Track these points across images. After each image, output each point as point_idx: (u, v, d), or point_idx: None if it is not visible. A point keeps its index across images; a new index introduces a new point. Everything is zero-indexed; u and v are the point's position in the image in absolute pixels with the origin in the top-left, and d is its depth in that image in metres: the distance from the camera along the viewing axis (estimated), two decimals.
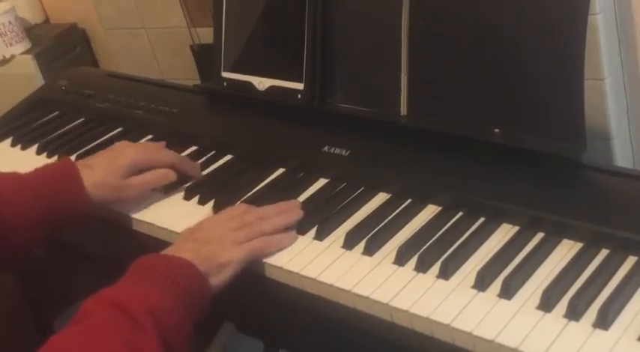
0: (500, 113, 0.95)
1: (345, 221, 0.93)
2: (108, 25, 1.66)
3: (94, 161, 1.03)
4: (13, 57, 1.78)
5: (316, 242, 0.91)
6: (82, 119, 1.33)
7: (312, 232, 0.92)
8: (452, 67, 0.98)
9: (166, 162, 1.05)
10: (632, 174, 0.90)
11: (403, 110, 1.03)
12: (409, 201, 0.94)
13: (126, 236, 1.03)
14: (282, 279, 0.88)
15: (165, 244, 0.92)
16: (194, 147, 1.17)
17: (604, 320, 0.72)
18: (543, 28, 0.90)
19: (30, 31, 1.86)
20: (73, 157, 1.20)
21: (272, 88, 1.16)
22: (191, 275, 0.82)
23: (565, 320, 0.73)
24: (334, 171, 1.02)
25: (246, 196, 1.02)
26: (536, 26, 0.91)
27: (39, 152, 1.25)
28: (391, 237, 0.89)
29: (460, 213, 0.91)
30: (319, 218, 0.94)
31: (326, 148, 1.04)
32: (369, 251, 0.87)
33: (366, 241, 0.88)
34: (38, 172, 1.00)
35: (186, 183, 1.07)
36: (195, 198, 1.03)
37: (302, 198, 0.99)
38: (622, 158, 1.12)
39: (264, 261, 0.89)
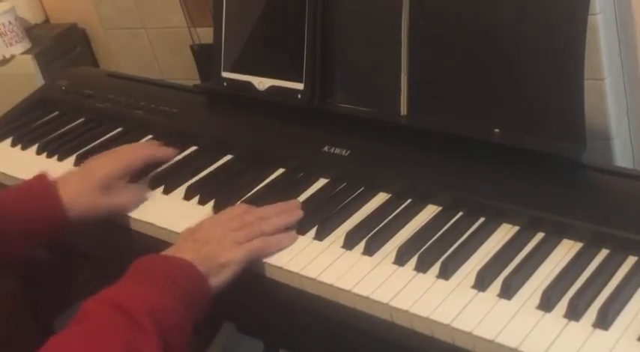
0: (500, 113, 0.95)
1: (345, 221, 0.93)
2: (108, 25, 1.65)
3: (69, 178, 1.02)
4: (13, 57, 1.78)
5: (316, 242, 0.91)
6: (82, 119, 1.33)
7: (312, 232, 0.92)
8: (452, 67, 0.98)
9: (138, 165, 1.06)
10: (632, 174, 0.90)
11: (403, 110, 1.03)
12: (409, 201, 0.94)
13: (126, 236, 1.03)
14: (282, 279, 0.88)
15: (165, 244, 0.92)
16: (194, 147, 1.17)
17: (604, 320, 0.72)
18: (543, 28, 0.90)
19: (30, 31, 1.86)
20: (72, 157, 1.20)
21: (272, 87, 1.16)
22: (191, 275, 0.82)
23: (565, 320, 0.73)
24: (334, 171, 1.02)
25: (246, 196, 1.02)
26: (536, 26, 0.91)
27: (39, 152, 1.25)
28: (391, 237, 0.89)
29: (460, 213, 0.91)
30: (319, 218, 0.94)
31: (326, 148, 1.04)
32: (369, 251, 0.87)
33: (366, 241, 0.88)
34: (14, 190, 0.99)
35: (187, 182, 1.07)
36: (196, 198, 1.03)
37: (302, 198, 0.99)
38: (622, 158, 1.12)
39: (264, 261, 0.89)
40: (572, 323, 0.73)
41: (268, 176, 1.06)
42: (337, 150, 1.03)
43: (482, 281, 0.79)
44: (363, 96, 1.08)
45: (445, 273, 0.81)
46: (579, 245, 0.83)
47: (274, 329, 0.94)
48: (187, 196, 1.04)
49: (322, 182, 1.02)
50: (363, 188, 0.98)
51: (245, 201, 1.00)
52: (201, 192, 1.04)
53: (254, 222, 0.91)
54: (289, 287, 0.88)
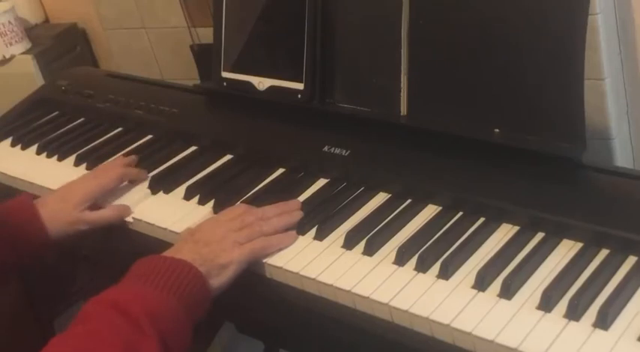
0: (500, 113, 0.95)
1: (345, 221, 0.93)
2: (108, 25, 1.65)
3: (48, 199, 1.04)
4: (13, 57, 1.78)
5: (316, 242, 0.91)
6: (82, 119, 1.34)
7: (312, 232, 0.92)
8: (452, 67, 0.98)
9: (115, 180, 1.07)
10: (632, 174, 0.90)
11: (403, 110, 1.03)
12: (409, 201, 0.94)
13: (126, 236, 1.03)
14: (282, 279, 0.88)
15: (166, 244, 0.92)
16: (194, 147, 1.17)
17: (604, 320, 0.72)
18: (543, 28, 0.90)
19: (30, 31, 1.86)
20: (72, 157, 1.20)
21: (272, 87, 1.16)
22: (192, 276, 0.82)
23: (565, 320, 0.73)
24: (334, 171, 1.02)
25: (246, 196, 1.02)
26: (536, 26, 0.91)
27: (39, 152, 1.25)
28: (391, 237, 0.89)
29: (460, 213, 0.91)
30: (319, 218, 0.94)
31: (326, 148, 1.04)
32: (369, 251, 0.87)
33: (366, 241, 0.88)
34: None
35: (187, 182, 1.07)
36: (195, 198, 1.03)
37: (302, 198, 0.99)
38: (622, 158, 1.12)
39: (264, 261, 0.89)
40: (572, 323, 0.73)
41: (268, 176, 1.06)
42: (337, 150, 1.03)
43: (482, 281, 0.79)
44: (363, 96, 1.08)
45: (445, 273, 0.81)
46: (579, 245, 0.83)
47: (274, 329, 0.94)
48: (187, 196, 1.04)
49: (322, 182, 1.02)
50: (363, 188, 0.98)
51: (245, 201, 1.00)
52: (201, 192, 1.04)
53: (254, 222, 0.91)
54: (289, 287, 0.88)
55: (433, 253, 0.84)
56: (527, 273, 0.80)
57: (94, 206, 1.04)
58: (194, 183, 1.07)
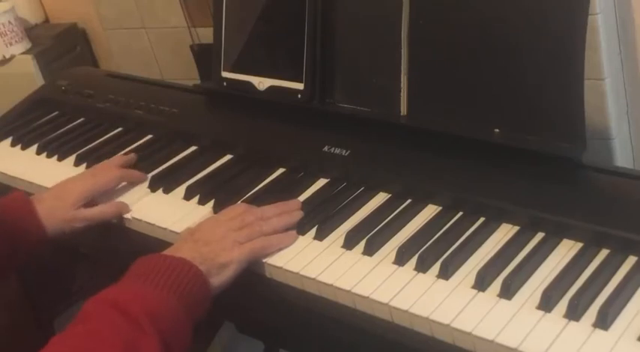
0: (500, 113, 0.95)
1: (345, 221, 0.93)
2: (108, 25, 1.65)
3: (44, 196, 1.04)
4: (13, 57, 1.78)
5: (316, 242, 0.91)
6: (82, 119, 1.33)
7: (312, 232, 0.92)
8: (452, 67, 0.98)
9: (115, 181, 1.07)
10: (632, 174, 0.90)
11: (403, 110, 1.03)
12: (409, 201, 0.94)
13: (126, 236, 1.03)
14: (282, 279, 0.88)
15: (165, 244, 0.92)
16: (194, 147, 1.17)
17: (604, 320, 0.72)
18: (543, 28, 0.90)
19: (30, 31, 1.86)
20: (72, 157, 1.20)
21: (272, 87, 1.16)
22: (192, 275, 0.82)
23: (565, 320, 0.73)
24: (334, 171, 1.02)
25: (246, 196, 1.02)
26: (536, 26, 0.91)
27: (39, 152, 1.25)
28: (391, 237, 0.89)
29: (460, 213, 0.91)
30: (319, 218, 0.94)
31: (326, 148, 1.04)
32: (369, 251, 0.87)
33: (366, 241, 0.88)
34: None
35: (187, 182, 1.07)
36: (195, 198, 1.03)
37: (302, 198, 0.99)
38: (622, 158, 1.12)
39: (264, 261, 0.89)
40: (572, 323, 0.73)
41: (268, 176, 1.06)
42: (337, 150, 1.03)
43: (482, 281, 0.79)
44: (363, 96, 1.08)
45: (445, 273, 0.81)
46: (579, 245, 0.83)
47: (274, 329, 0.94)
48: (187, 196, 1.04)
49: (322, 182, 1.02)
50: (363, 188, 0.98)
51: (245, 201, 1.00)
52: (201, 192, 1.04)
53: (254, 222, 0.91)
54: (289, 287, 0.88)
55: (433, 253, 0.84)
56: (527, 273, 0.80)
57: (91, 203, 1.04)
58: (194, 183, 1.07)
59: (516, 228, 0.87)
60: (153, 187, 1.08)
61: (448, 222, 0.90)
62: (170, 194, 1.06)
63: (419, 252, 0.85)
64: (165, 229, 0.99)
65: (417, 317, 0.77)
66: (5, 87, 1.73)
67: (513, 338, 0.72)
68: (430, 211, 0.93)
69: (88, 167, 1.16)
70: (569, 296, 0.75)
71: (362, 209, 0.95)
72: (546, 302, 0.75)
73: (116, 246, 1.05)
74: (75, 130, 1.31)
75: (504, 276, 0.79)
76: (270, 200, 0.97)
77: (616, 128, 1.10)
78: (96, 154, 1.19)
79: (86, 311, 0.77)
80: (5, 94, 1.56)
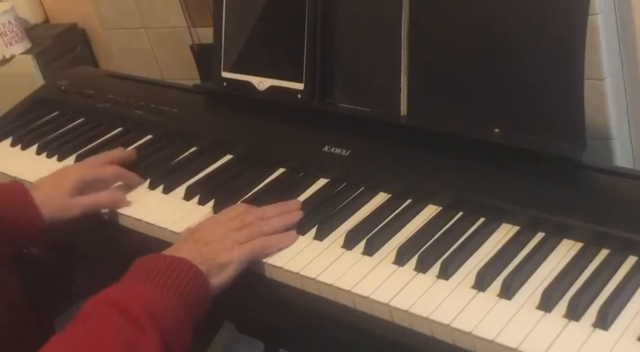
0: (500, 113, 0.95)
1: (345, 221, 0.93)
2: (108, 25, 1.66)
3: (40, 182, 1.05)
4: (13, 57, 1.78)
5: (316, 242, 0.91)
6: (82, 119, 1.33)
7: (312, 232, 0.92)
8: (452, 67, 0.98)
9: (112, 176, 1.07)
10: (632, 174, 0.90)
11: (403, 110, 1.03)
12: (409, 201, 0.94)
13: (126, 236, 1.03)
14: (282, 279, 0.88)
15: (165, 244, 0.92)
16: (194, 148, 1.17)
17: (604, 320, 0.72)
18: (543, 28, 0.90)
19: (30, 31, 1.86)
20: (72, 157, 1.20)
21: (272, 87, 1.16)
22: (192, 275, 0.82)
23: (565, 320, 0.73)
24: (334, 171, 1.02)
25: (246, 196, 1.02)
26: (536, 26, 0.91)
27: (39, 152, 1.25)
28: (391, 237, 0.89)
29: (460, 213, 0.91)
30: (319, 218, 0.94)
31: (326, 148, 1.04)
32: (369, 251, 0.87)
33: (366, 241, 0.88)
34: None
35: (187, 182, 1.07)
36: (195, 198, 1.03)
37: (302, 198, 0.99)
38: (622, 158, 1.12)
39: (264, 261, 0.89)
40: (572, 323, 0.73)
41: (268, 176, 1.06)
42: (337, 150, 1.03)
43: (482, 281, 0.79)
44: (363, 96, 1.08)
45: (445, 273, 0.81)
46: (579, 245, 0.83)
47: (274, 329, 0.94)
48: (187, 196, 1.04)
49: (322, 182, 1.02)
50: (363, 188, 0.98)
51: (245, 201, 1.00)
52: (201, 192, 1.04)
53: (254, 222, 0.91)
54: (289, 287, 0.88)
55: (433, 253, 0.84)
56: (527, 273, 0.80)
57: (87, 193, 1.04)
58: (194, 183, 1.07)
59: (516, 228, 0.87)
60: (153, 187, 1.08)
61: (448, 222, 0.90)
62: (170, 194, 1.06)
63: (419, 252, 0.85)
64: (165, 229, 0.99)
65: (417, 317, 0.77)
66: (5, 87, 1.73)
67: (513, 338, 0.72)
68: (430, 211, 0.93)
69: None
70: (569, 296, 0.75)
71: (362, 209, 0.95)
72: (546, 302, 0.75)
73: (116, 246, 1.05)
74: (75, 130, 1.31)
75: (504, 276, 0.79)
76: (270, 200, 0.97)
77: (616, 128, 1.10)
78: (96, 154, 1.19)
79: (86, 310, 0.77)
80: (5, 94, 1.56)
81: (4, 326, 0.99)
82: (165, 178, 1.09)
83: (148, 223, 1.01)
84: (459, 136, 0.96)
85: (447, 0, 0.98)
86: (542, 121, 0.92)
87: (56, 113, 1.37)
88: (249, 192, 1.03)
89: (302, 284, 0.86)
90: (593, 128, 1.06)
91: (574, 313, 0.73)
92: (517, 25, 0.92)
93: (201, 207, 1.02)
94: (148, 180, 1.09)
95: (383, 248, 0.88)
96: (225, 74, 1.21)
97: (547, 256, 0.82)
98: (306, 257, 0.88)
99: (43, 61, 1.79)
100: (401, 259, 0.85)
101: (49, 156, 1.23)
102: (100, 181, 1.06)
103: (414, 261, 0.84)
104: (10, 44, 1.77)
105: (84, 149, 1.22)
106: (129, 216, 1.03)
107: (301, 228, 0.92)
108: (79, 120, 1.33)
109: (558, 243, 0.84)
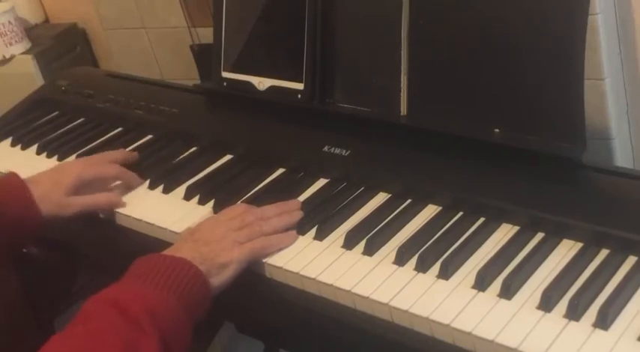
0: (500, 113, 0.95)
1: (345, 221, 0.93)
2: (108, 25, 1.66)
3: (40, 177, 1.04)
4: (13, 57, 1.78)
5: (316, 242, 0.91)
6: (82, 119, 1.33)
7: (312, 232, 0.92)
8: (452, 67, 0.98)
9: (112, 175, 1.07)
10: (632, 174, 0.90)
11: (403, 110, 1.03)
12: (409, 201, 0.94)
13: (126, 236, 1.03)
14: (282, 279, 0.88)
15: (165, 244, 0.92)
16: (194, 148, 1.17)
17: (604, 320, 0.72)
18: (543, 28, 0.90)
19: (30, 31, 1.86)
20: (73, 157, 1.20)
21: (272, 87, 1.16)
22: (192, 275, 0.82)
23: (565, 320, 0.73)
24: (334, 171, 1.02)
25: (246, 196, 1.02)
26: (536, 26, 0.91)
27: (39, 152, 1.25)
28: (391, 237, 0.89)
29: (460, 213, 0.91)
30: (319, 218, 0.94)
31: (326, 148, 1.04)
32: (369, 251, 0.87)
33: (366, 241, 0.88)
34: None
35: (187, 182, 1.07)
36: (195, 198, 1.03)
37: (302, 198, 0.99)
38: (622, 158, 1.12)
39: (264, 261, 0.89)
40: (572, 323, 0.73)
41: (268, 176, 1.06)
42: (337, 150, 1.03)
43: (482, 281, 0.79)
44: (363, 96, 1.08)
45: (445, 273, 0.81)
46: (579, 245, 0.83)
47: (274, 329, 0.94)
48: (187, 196, 1.04)
49: (322, 182, 1.02)
50: (363, 188, 0.98)
51: (245, 201, 1.00)
52: (201, 192, 1.04)
53: (254, 222, 0.91)
54: (289, 287, 0.88)
55: (433, 253, 0.84)
56: (527, 273, 0.80)
57: (85, 192, 1.04)
58: (194, 183, 1.07)
59: (516, 228, 0.87)
60: (153, 187, 1.08)
61: (448, 222, 0.90)
62: (170, 194, 1.06)
63: (419, 252, 0.85)
64: (165, 229, 0.99)
65: (417, 317, 0.77)
66: (5, 87, 1.73)
67: (513, 338, 0.72)
68: (430, 211, 0.93)
69: None
70: (569, 296, 0.75)
71: (362, 209, 0.95)
72: (546, 302, 0.75)
73: (116, 246, 1.04)
74: (75, 130, 1.31)
75: (504, 276, 0.79)
76: (270, 200, 0.97)
77: (616, 128, 1.10)
78: (96, 154, 1.19)
79: (86, 310, 0.77)
80: (5, 94, 1.56)
81: (4, 326, 0.99)
82: (165, 178, 1.09)
83: (148, 223, 1.01)
84: (459, 136, 0.96)
85: (447, 0, 0.98)
86: (542, 121, 0.92)
87: (56, 113, 1.37)
88: (249, 192, 1.03)
89: (302, 284, 0.86)
90: (593, 128, 1.06)
91: (574, 313, 0.73)
92: (517, 25, 0.92)
93: (201, 207, 1.02)
94: (148, 180, 1.09)
95: (383, 248, 0.88)
96: (225, 74, 1.21)
97: (547, 256, 0.82)
98: (306, 257, 0.88)
99: (43, 61, 1.79)
100: (401, 259, 0.85)
101: (49, 156, 1.23)
102: (100, 180, 1.06)
103: (414, 261, 0.84)
104: (10, 44, 1.77)
105: (84, 149, 1.22)
106: (129, 216, 1.03)
107: (301, 228, 0.92)
108: (79, 120, 1.33)
109: (558, 243, 0.84)
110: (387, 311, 0.79)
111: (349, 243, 0.89)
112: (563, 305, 0.75)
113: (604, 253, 0.81)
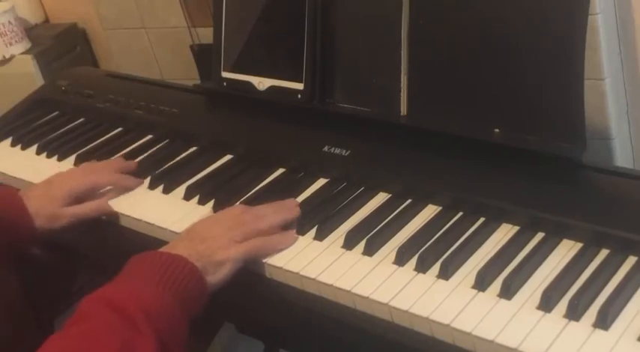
0: (500, 113, 0.95)
1: (345, 221, 0.93)
2: (108, 25, 1.66)
3: (33, 191, 1.05)
4: (13, 57, 1.78)
5: (316, 242, 0.91)
6: (82, 119, 1.33)
7: (312, 232, 0.92)
8: (452, 67, 0.98)
9: (105, 183, 1.07)
10: (632, 174, 0.90)
11: (403, 110, 1.03)
12: (409, 201, 0.94)
13: (126, 236, 1.03)
14: (282, 279, 0.88)
15: (165, 244, 0.92)
16: (194, 148, 1.17)
17: (604, 320, 0.72)
18: (543, 28, 0.90)
19: (30, 31, 1.86)
20: (72, 157, 1.20)
21: (272, 87, 1.16)
22: (187, 271, 0.82)
23: (565, 320, 0.73)
24: (334, 171, 1.02)
25: (246, 196, 1.02)
26: (536, 26, 0.91)
27: (39, 152, 1.25)
28: (391, 237, 0.89)
29: (460, 213, 0.91)
30: (319, 218, 0.93)
31: (326, 148, 1.04)
32: (369, 251, 0.87)
33: (366, 241, 0.88)
34: None
35: (187, 182, 1.07)
36: (195, 198, 1.03)
37: (302, 198, 0.99)
38: (622, 158, 1.12)
39: (264, 261, 0.89)
40: (572, 323, 0.73)
41: (268, 176, 1.06)
42: (337, 150, 1.03)
43: (482, 281, 0.79)
44: (363, 96, 1.08)
45: (445, 273, 0.81)
46: (579, 245, 0.83)
47: (274, 329, 0.94)
48: (187, 196, 1.04)
49: (322, 182, 1.02)
50: (363, 188, 0.98)
51: (245, 201, 1.00)
52: (201, 192, 1.03)
53: (250, 220, 0.91)
54: (289, 287, 0.87)
55: (433, 253, 0.84)
56: (527, 273, 0.80)
57: (80, 201, 1.04)
58: (194, 183, 1.07)
59: (516, 228, 0.87)
60: (152, 187, 1.08)
61: (448, 222, 0.90)
62: (170, 194, 1.06)
63: (419, 252, 0.85)
64: (165, 229, 0.99)
65: (417, 317, 0.77)
66: (5, 87, 1.73)
67: (513, 338, 0.72)
68: (430, 211, 0.93)
69: None
70: (569, 296, 0.75)
71: (362, 209, 0.95)
72: (546, 302, 0.75)
73: (116, 246, 1.04)
74: (75, 130, 1.31)
75: (504, 276, 0.79)
76: (271, 200, 0.97)
77: (616, 128, 1.10)
78: (96, 154, 1.19)
79: (81, 311, 0.77)
80: (5, 94, 1.56)
81: (4, 326, 0.99)
82: (165, 178, 1.09)
83: (148, 223, 1.01)
84: (459, 136, 0.96)
85: (447, 0, 0.98)
86: (542, 121, 0.92)
87: (56, 113, 1.37)
88: (249, 192, 1.03)
89: (302, 284, 0.86)
90: (593, 128, 1.06)
91: (574, 313, 0.73)
92: (517, 25, 0.92)
93: (201, 207, 1.02)
94: (148, 180, 1.09)
95: (383, 248, 0.88)
96: (225, 74, 1.21)
97: (547, 256, 0.82)
98: (306, 257, 0.88)
99: (43, 61, 1.79)
100: (401, 259, 0.85)
101: (49, 156, 1.23)
102: (95, 190, 1.06)
103: (414, 261, 0.84)
104: (10, 44, 1.77)
105: (84, 149, 1.22)
106: (129, 216, 1.03)
107: (301, 228, 0.92)
108: (79, 120, 1.33)
109: (558, 243, 0.84)
110: (387, 311, 0.79)
111: (349, 243, 0.89)
112: (563, 305, 0.75)
113: (604, 253, 0.81)
